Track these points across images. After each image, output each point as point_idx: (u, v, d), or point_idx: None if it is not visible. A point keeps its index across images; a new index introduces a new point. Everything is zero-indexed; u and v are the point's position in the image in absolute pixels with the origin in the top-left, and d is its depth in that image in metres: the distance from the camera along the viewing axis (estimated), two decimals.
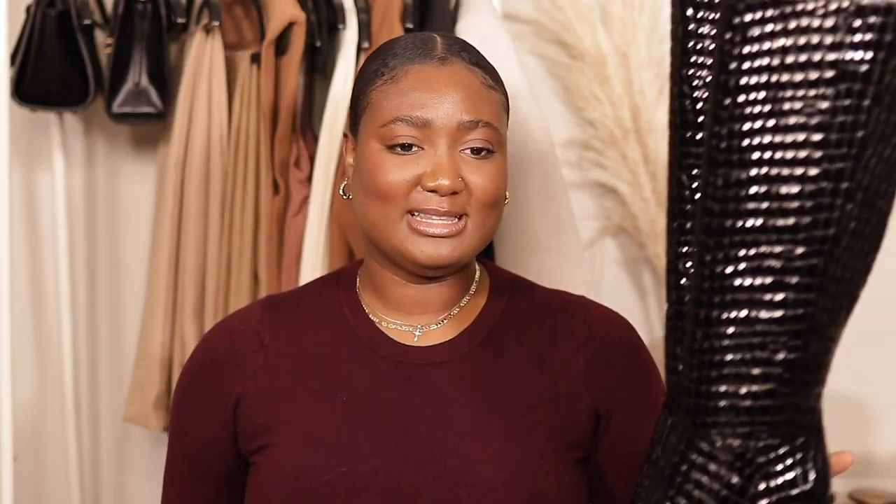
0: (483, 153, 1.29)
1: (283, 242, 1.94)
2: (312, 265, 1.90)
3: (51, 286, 2.21)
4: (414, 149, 1.28)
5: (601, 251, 2.34)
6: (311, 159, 1.93)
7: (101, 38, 2.05)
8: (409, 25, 1.90)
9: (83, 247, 2.24)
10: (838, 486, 2.41)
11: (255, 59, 1.91)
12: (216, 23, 1.90)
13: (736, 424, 1.08)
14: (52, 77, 1.98)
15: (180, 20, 1.95)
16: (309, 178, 1.93)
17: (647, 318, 2.36)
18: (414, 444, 1.30)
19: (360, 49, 1.91)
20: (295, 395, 1.33)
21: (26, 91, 1.99)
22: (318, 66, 1.95)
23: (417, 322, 1.36)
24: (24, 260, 2.20)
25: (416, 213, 1.28)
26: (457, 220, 1.28)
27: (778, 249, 1.00)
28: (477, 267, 1.41)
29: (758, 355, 1.07)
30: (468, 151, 1.28)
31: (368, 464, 1.29)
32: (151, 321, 1.98)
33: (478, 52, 1.35)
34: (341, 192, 1.37)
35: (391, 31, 1.89)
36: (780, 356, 1.07)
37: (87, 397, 2.25)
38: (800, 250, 0.99)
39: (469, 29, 1.90)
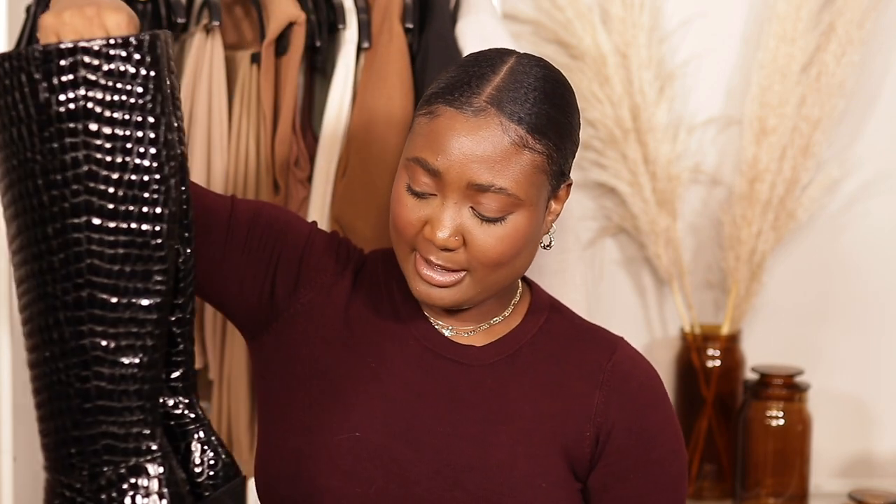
0: (492, 219, 1.27)
1: None
2: None
3: None
4: (428, 196, 1.29)
5: (601, 251, 2.34)
6: (311, 159, 1.93)
7: None
8: (409, 25, 1.90)
9: None
10: (838, 486, 2.42)
11: (255, 59, 1.91)
12: (216, 23, 1.90)
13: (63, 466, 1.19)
14: None
15: (180, 20, 1.95)
16: (309, 178, 1.93)
17: (647, 318, 2.36)
18: (422, 434, 1.32)
19: (360, 49, 1.91)
20: (335, 335, 1.37)
21: None
22: (318, 66, 1.95)
23: (448, 325, 1.38)
24: None
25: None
26: (454, 273, 1.29)
27: None
28: (519, 286, 1.41)
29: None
30: (478, 213, 1.27)
31: (379, 438, 1.32)
32: None
33: (539, 101, 1.28)
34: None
35: (391, 31, 1.89)
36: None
37: None
38: None
39: (469, 29, 1.90)
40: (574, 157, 1.34)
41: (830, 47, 2.22)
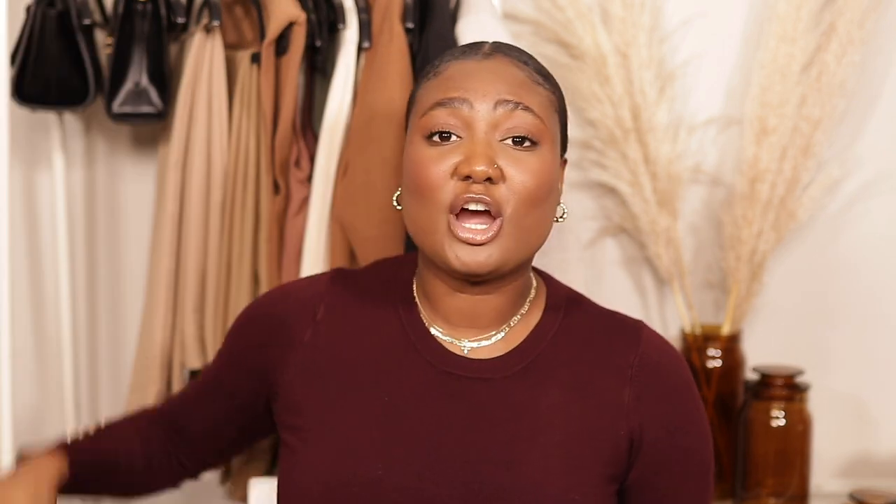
0: (525, 143, 1.25)
1: (283, 242, 1.94)
2: (313, 265, 1.90)
3: (51, 286, 2.21)
4: (453, 138, 1.25)
5: (601, 251, 2.34)
6: (311, 159, 1.93)
7: (101, 38, 2.04)
8: (410, 25, 1.90)
9: (83, 246, 2.24)
10: (838, 485, 2.42)
11: (255, 58, 1.91)
12: (216, 23, 1.90)
13: None
14: (52, 77, 1.98)
15: (180, 20, 1.95)
16: (309, 178, 1.93)
17: (647, 318, 2.36)
18: (449, 463, 1.27)
19: (360, 49, 1.91)
20: (337, 382, 1.32)
21: (26, 91, 1.99)
22: (318, 66, 1.95)
23: (466, 336, 1.32)
24: (24, 260, 2.20)
25: (456, 216, 1.24)
26: (493, 221, 1.23)
27: None
28: (533, 281, 1.37)
29: None
30: (509, 141, 1.24)
31: (402, 473, 1.27)
32: (151, 321, 1.98)
33: (532, 58, 1.32)
34: (394, 201, 1.33)
35: (391, 31, 1.89)
36: None
37: (87, 396, 2.25)
38: None
39: (469, 29, 1.90)
40: (567, 130, 1.34)
41: (831, 47, 2.22)
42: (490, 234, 1.24)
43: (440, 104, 1.25)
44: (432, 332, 1.33)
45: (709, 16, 2.30)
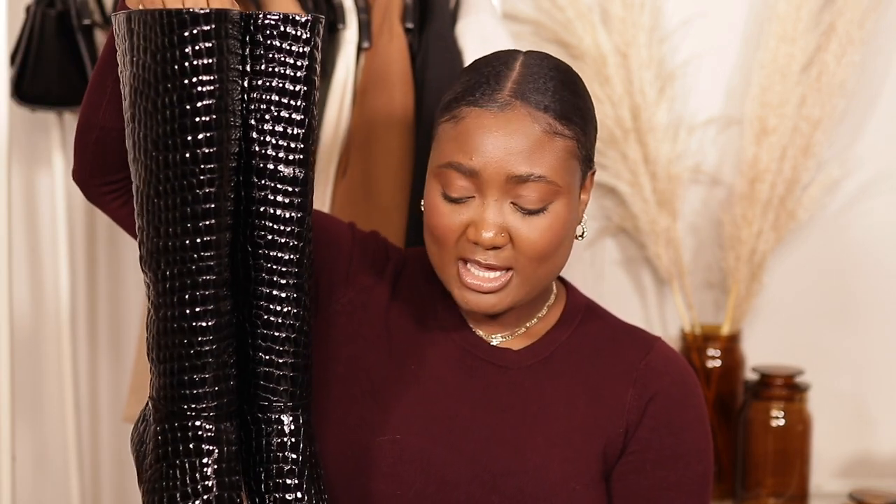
0: (535, 212, 1.27)
1: None
2: None
3: (51, 286, 2.21)
4: (465, 199, 1.28)
5: (601, 251, 2.34)
6: None
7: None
8: (410, 25, 1.90)
9: (83, 247, 2.24)
10: (839, 486, 2.41)
11: None
12: None
13: None
14: (52, 77, 1.98)
15: None
16: None
17: (647, 318, 2.36)
18: (460, 438, 1.32)
19: (360, 49, 1.91)
20: (375, 335, 1.38)
21: (26, 91, 1.99)
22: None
23: (486, 331, 1.38)
24: (24, 260, 2.20)
25: (465, 262, 1.29)
26: (502, 272, 1.28)
27: None
28: (554, 287, 1.41)
29: None
30: (519, 206, 1.27)
31: (418, 441, 1.32)
32: None
33: (559, 90, 1.29)
34: (422, 206, 1.37)
35: (391, 31, 1.89)
36: None
37: (86, 397, 2.25)
38: None
39: (469, 29, 1.90)
40: (596, 141, 1.35)
41: (831, 47, 2.22)
42: (498, 284, 1.29)
43: (453, 167, 1.28)
44: (462, 316, 1.39)
45: (709, 16, 2.30)
